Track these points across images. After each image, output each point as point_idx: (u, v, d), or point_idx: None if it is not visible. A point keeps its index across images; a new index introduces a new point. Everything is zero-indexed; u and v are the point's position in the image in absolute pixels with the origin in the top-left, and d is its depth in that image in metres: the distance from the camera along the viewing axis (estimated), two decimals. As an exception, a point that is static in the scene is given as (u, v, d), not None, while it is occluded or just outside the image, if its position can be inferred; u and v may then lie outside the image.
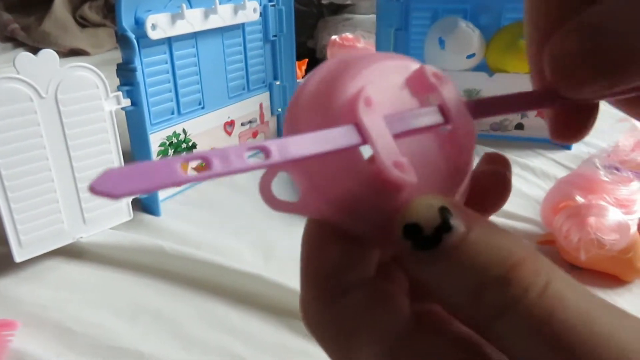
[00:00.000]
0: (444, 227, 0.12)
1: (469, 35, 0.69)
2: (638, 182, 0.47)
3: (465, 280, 0.11)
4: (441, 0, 0.71)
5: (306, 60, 1.03)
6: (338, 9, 1.12)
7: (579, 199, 0.46)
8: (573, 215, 0.45)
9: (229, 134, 0.67)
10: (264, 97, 0.72)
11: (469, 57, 0.71)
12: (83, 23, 1.22)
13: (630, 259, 0.45)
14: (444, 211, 0.12)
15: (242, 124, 0.69)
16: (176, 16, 0.54)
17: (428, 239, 0.12)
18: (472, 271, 0.11)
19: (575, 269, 0.47)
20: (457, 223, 0.12)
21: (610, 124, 0.70)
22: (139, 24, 0.52)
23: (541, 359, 0.11)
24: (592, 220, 0.44)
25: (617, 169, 0.51)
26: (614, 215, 0.43)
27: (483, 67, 0.72)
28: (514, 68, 0.70)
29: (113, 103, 0.50)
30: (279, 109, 0.75)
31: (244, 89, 0.68)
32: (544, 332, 0.11)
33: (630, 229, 0.44)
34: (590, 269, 0.46)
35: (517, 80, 0.71)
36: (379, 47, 0.75)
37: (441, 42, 0.70)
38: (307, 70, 1.01)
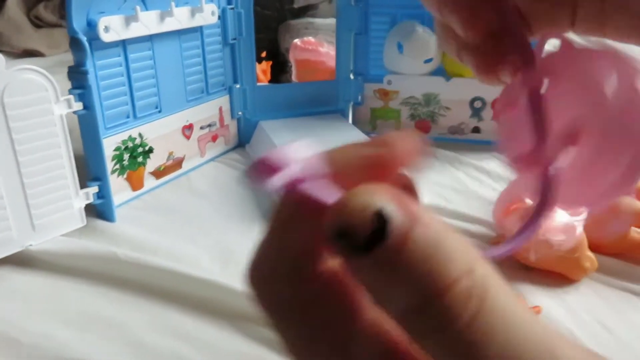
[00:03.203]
0: (377, 235, 0.11)
1: (427, 40, 0.70)
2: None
3: (396, 293, 0.11)
4: (400, 5, 0.72)
5: (270, 62, 1.03)
6: (300, 12, 1.12)
7: (529, 201, 0.47)
8: (523, 217, 0.46)
9: (188, 137, 0.67)
10: (223, 101, 0.71)
11: (427, 61, 0.72)
12: (38, 23, 1.19)
13: (577, 259, 0.46)
14: (380, 215, 0.11)
15: (202, 128, 0.69)
16: (130, 18, 0.53)
17: (359, 247, 0.11)
18: (403, 286, 0.11)
19: (526, 269, 0.48)
20: (395, 228, 0.11)
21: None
22: (91, 26, 0.51)
23: None
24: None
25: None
26: (561, 217, 0.45)
27: (441, 72, 0.74)
28: (470, 73, 0.71)
29: (64, 107, 0.49)
30: (239, 112, 0.74)
31: (202, 92, 0.68)
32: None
33: (577, 230, 0.45)
34: (539, 268, 0.48)
35: (473, 84, 0.73)
36: (340, 51, 0.75)
37: (400, 47, 0.71)
38: (272, 72, 1.01)
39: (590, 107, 0.14)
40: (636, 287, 0.47)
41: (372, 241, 0.11)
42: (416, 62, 0.72)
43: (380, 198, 0.11)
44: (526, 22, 0.19)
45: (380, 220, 0.10)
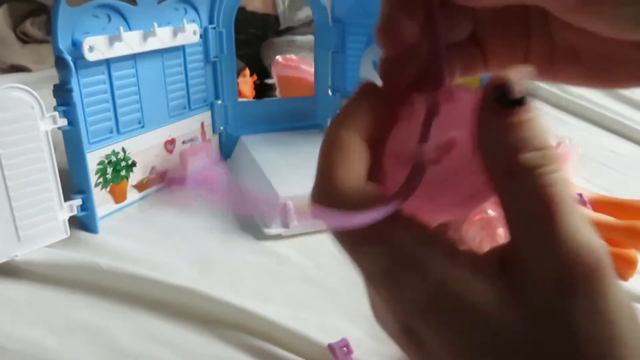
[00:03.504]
0: (524, 99, 0.17)
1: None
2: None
3: (519, 137, 0.17)
4: (374, 26, 0.76)
5: (255, 77, 1.06)
6: (282, 31, 1.15)
7: (491, 212, 0.50)
8: (485, 226, 0.49)
9: (170, 152, 0.69)
10: (205, 116, 0.74)
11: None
12: (25, 39, 1.21)
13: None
14: (529, 89, 0.17)
15: (184, 142, 0.71)
16: (114, 38, 0.56)
17: (510, 101, 0.17)
18: (527, 134, 0.17)
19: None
20: (531, 103, 0.17)
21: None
22: (76, 45, 0.53)
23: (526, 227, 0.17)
24: (501, 231, 0.48)
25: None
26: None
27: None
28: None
29: (49, 123, 0.51)
30: (221, 127, 0.77)
31: (185, 108, 0.70)
32: (539, 205, 0.17)
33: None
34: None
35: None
36: (318, 68, 0.78)
37: (375, 65, 0.74)
38: (256, 88, 1.03)
39: (462, 136, 0.17)
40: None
41: (519, 101, 0.17)
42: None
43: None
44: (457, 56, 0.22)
45: (529, 94, 0.17)
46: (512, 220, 0.17)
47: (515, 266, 0.17)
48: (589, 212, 0.54)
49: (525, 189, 0.17)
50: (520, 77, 0.17)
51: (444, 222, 0.20)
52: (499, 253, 0.18)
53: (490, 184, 0.17)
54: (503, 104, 0.17)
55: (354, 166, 0.18)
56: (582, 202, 0.55)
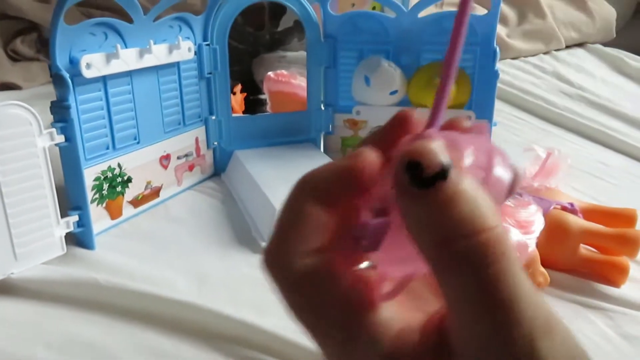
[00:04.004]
0: (442, 175, 0.14)
1: (391, 74, 0.75)
2: (535, 205, 0.52)
3: (440, 224, 0.14)
4: (366, 42, 0.77)
5: (245, 94, 1.06)
6: (273, 46, 1.16)
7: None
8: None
9: (165, 167, 0.69)
10: (199, 132, 0.74)
11: (392, 93, 0.76)
12: (15, 57, 1.21)
13: (531, 274, 0.50)
14: (445, 164, 0.14)
15: (178, 158, 0.71)
16: (111, 56, 0.56)
17: (425, 180, 0.14)
18: (449, 220, 0.14)
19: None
20: (454, 175, 0.14)
21: (517, 153, 0.77)
22: (74, 63, 0.54)
23: (472, 314, 0.15)
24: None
25: (519, 194, 0.57)
26: (514, 235, 0.49)
27: (405, 103, 0.78)
28: (432, 103, 0.76)
29: (46, 139, 0.51)
30: (215, 142, 0.77)
31: (179, 123, 0.71)
32: (484, 295, 0.14)
33: (529, 248, 0.49)
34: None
35: (436, 114, 0.77)
36: (311, 83, 0.79)
37: (367, 80, 0.76)
38: (246, 104, 1.04)
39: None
40: (585, 300, 0.51)
41: (433, 180, 0.14)
42: (382, 93, 0.76)
43: (444, 151, 0.15)
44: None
45: (445, 165, 0.14)
46: (454, 309, 0.15)
47: (455, 352, 0.16)
48: (580, 220, 0.55)
49: (459, 287, 0.15)
50: (432, 145, 0.14)
51: (407, 274, 0.18)
52: (438, 328, 0.17)
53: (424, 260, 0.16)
54: (418, 184, 0.14)
55: (304, 242, 0.18)
56: (574, 211, 0.56)
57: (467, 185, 0.14)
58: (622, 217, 0.57)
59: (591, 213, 0.58)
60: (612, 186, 0.78)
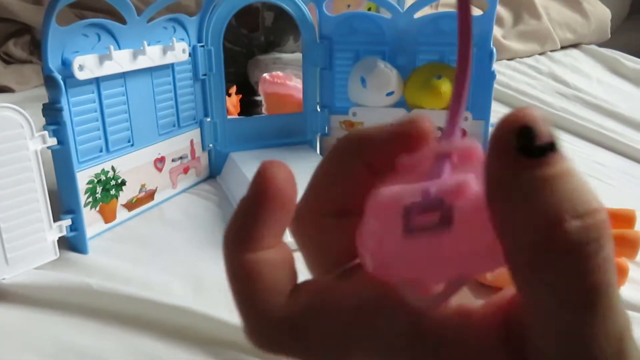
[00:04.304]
0: (553, 145, 0.12)
1: (388, 75, 0.74)
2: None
3: (552, 201, 0.12)
4: (362, 42, 0.77)
5: (240, 95, 1.06)
6: (268, 48, 1.16)
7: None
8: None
9: (160, 170, 0.68)
10: (194, 134, 0.74)
11: (389, 94, 0.76)
12: (8, 60, 1.20)
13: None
14: (553, 138, 0.12)
15: (173, 160, 0.71)
16: (104, 57, 0.55)
17: (539, 148, 0.12)
18: (563, 196, 0.12)
19: (484, 287, 0.51)
20: (562, 150, 0.12)
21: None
22: (66, 64, 0.53)
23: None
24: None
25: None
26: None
27: (402, 104, 0.78)
28: (429, 104, 0.75)
29: (38, 142, 0.51)
30: (210, 145, 0.76)
31: (174, 125, 0.70)
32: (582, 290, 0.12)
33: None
34: (496, 286, 0.51)
35: (433, 115, 0.77)
36: (306, 85, 0.79)
37: (363, 81, 0.75)
38: (242, 106, 1.04)
39: None
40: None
41: (546, 149, 0.12)
42: (379, 95, 0.76)
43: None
44: None
45: (557, 137, 0.12)
46: (539, 308, 0.13)
47: (529, 354, 0.14)
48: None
49: (564, 274, 0.12)
50: (542, 116, 0.12)
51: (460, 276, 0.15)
52: (506, 319, 0.15)
53: (510, 261, 0.13)
54: (528, 153, 0.12)
55: (269, 294, 0.16)
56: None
57: (572, 163, 0.12)
58: (621, 218, 0.57)
59: (590, 214, 0.57)
60: (609, 187, 0.78)
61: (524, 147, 0.12)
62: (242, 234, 0.17)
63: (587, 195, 0.12)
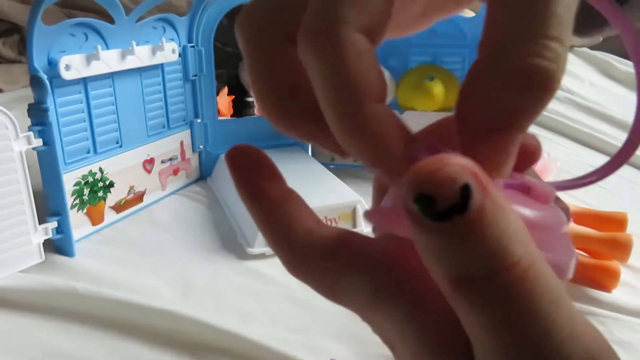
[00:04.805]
0: (459, 207, 0.11)
1: (380, 76, 0.74)
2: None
3: (458, 262, 0.11)
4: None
5: (233, 96, 1.05)
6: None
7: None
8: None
9: (149, 171, 0.67)
10: (184, 135, 0.73)
11: (381, 96, 0.75)
12: (-3, 59, 1.18)
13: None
14: (465, 190, 0.11)
15: (163, 162, 0.70)
16: (91, 57, 0.55)
17: (438, 214, 0.11)
18: (469, 258, 0.11)
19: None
20: (474, 204, 0.11)
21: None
22: (52, 64, 0.52)
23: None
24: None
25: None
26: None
27: (394, 105, 0.77)
28: (421, 106, 0.75)
29: (23, 143, 0.50)
30: (200, 146, 0.76)
31: (164, 127, 0.69)
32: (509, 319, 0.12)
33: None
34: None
35: (425, 116, 0.77)
36: (298, 86, 0.78)
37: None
38: (234, 107, 1.03)
39: None
40: (576, 305, 0.50)
41: (449, 214, 0.11)
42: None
43: (466, 172, 0.11)
44: None
45: (464, 195, 0.11)
46: (478, 344, 0.13)
47: None
48: (571, 224, 0.54)
49: (488, 323, 0.12)
50: (448, 169, 0.11)
51: None
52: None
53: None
54: (431, 217, 0.11)
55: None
56: (564, 215, 0.55)
57: (491, 209, 0.11)
58: (613, 221, 0.57)
59: (582, 217, 0.57)
60: (601, 189, 0.78)
61: (425, 212, 0.11)
62: None
63: (504, 246, 0.11)
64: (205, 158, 0.76)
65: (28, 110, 0.52)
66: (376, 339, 0.16)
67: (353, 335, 0.45)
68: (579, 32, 0.16)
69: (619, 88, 1.29)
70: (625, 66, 1.37)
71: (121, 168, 0.63)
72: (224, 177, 0.73)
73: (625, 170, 0.85)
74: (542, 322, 0.12)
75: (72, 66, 0.53)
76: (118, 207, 0.63)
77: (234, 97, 1.04)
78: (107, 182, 0.61)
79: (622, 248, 0.53)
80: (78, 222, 0.58)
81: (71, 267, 0.54)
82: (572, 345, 0.12)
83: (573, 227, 0.54)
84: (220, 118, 0.78)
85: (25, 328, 0.46)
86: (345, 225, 0.60)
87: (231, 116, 1.01)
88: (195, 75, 0.72)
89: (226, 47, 1.11)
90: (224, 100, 1.02)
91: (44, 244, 0.53)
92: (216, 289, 0.52)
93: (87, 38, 0.56)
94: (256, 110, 0.96)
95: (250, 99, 1.02)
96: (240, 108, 1.04)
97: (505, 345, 0.12)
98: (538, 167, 0.66)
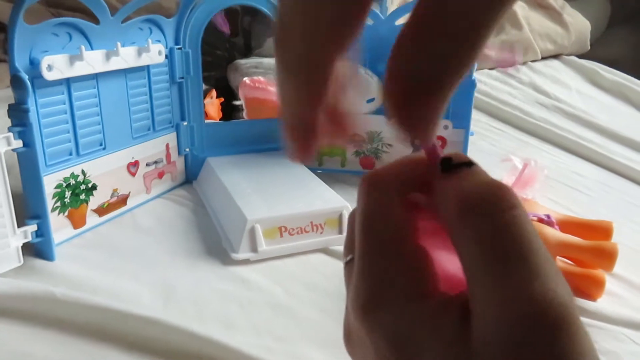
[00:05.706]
0: (466, 164, 0.19)
1: (368, 82, 0.73)
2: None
3: (465, 184, 0.18)
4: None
5: (222, 99, 1.04)
6: (248, 52, 1.15)
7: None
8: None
9: (133, 174, 0.66)
10: (170, 137, 0.72)
11: (369, 101, 0.75)
12: (-19, 58, 1.16)
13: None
14: (469, 160, 0.19)
15: (147, 165, 0.69)
16: (75, 57, 0.54)
17: (454, 165, 0.19)
18: (475, 180, 0.18)
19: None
20: (474, 168, 0.18)
21: (494, 164, 0.77)
22: (34, 64, 0.51)
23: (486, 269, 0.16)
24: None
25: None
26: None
27: (382, 111, 0.77)
28: (409, 112, 0.75)
29: (3, 144, 0.49)
30: (187, 149, 0.75)
31: (149, 129, 0.68)
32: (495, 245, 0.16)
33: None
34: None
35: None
36: (286, 90, 0.78)
37: (343, 87, 0.74)
38: (223, 110, 1.02)
39: None
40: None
41: (463, 164, 0.19)
42: (359, 102, 0.75)
43: (469, 158, 0.19)
44: None
45: (468, 161, 0.19)
46: (467, 268, 0.16)
47: (471, 316, 0.16)
48: (557, 232, 0.54)
49: (480, 232, 0.16)
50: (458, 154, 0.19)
51: None
52: (462, 299, 0.17)
53: (447, 232, 0.18)
54: (448, 169, 0.19)
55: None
56: (550, 222, 0.55)
57: (480, 168, 0.19)
58: (598, 230, 0.57)
59: (567, 225, 0.57)
60: (587, 197, 0.78)
61: (444, 167, 0.19)
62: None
63: (495, 181, 0.17)
64: (192, 161, 0.76)
65: (8, 110, 0.51)
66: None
67: (337, 344, 0.44)
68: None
69: (605, 97, 1.30)
70: (612, 75, 1.38)
71: (104, 171, 0.62)
72: (209, 181, 0.72)
73: (610, 179, 0.86)
74: (525, 236, 0.16)
75: (55, 66, 0.52)
76: (101, 211, 0.62)
77: (223, 99, 1.04)
78: (90, 185, 0.60)
79: (607, 257, 0.52)
80: (59, 226, 0.57)
81: (50, 272, 0.53)
82: (554, 269, 0.16)
83: (558, 235, 0.54)
84: (207, 121, 0.77)
85: (1, 334, 0.45)
86: (331, 231, 0.59)
87: (220, 119, 1.00)
88: (182, 78, 0.71)
89: (216, 50, 1.10)
90: (214, 104, 1.01)
91: (23, 247, 0.52)
92: (199, 296, 0.51)
93: (70, 38, 0.55)
94: (244, 114, 0.95)
95: (238, 103, 1.01)
96: (229, 111, 1.03)
97: (495, 259, 0.15)
98: (525, 175, 0.66)
